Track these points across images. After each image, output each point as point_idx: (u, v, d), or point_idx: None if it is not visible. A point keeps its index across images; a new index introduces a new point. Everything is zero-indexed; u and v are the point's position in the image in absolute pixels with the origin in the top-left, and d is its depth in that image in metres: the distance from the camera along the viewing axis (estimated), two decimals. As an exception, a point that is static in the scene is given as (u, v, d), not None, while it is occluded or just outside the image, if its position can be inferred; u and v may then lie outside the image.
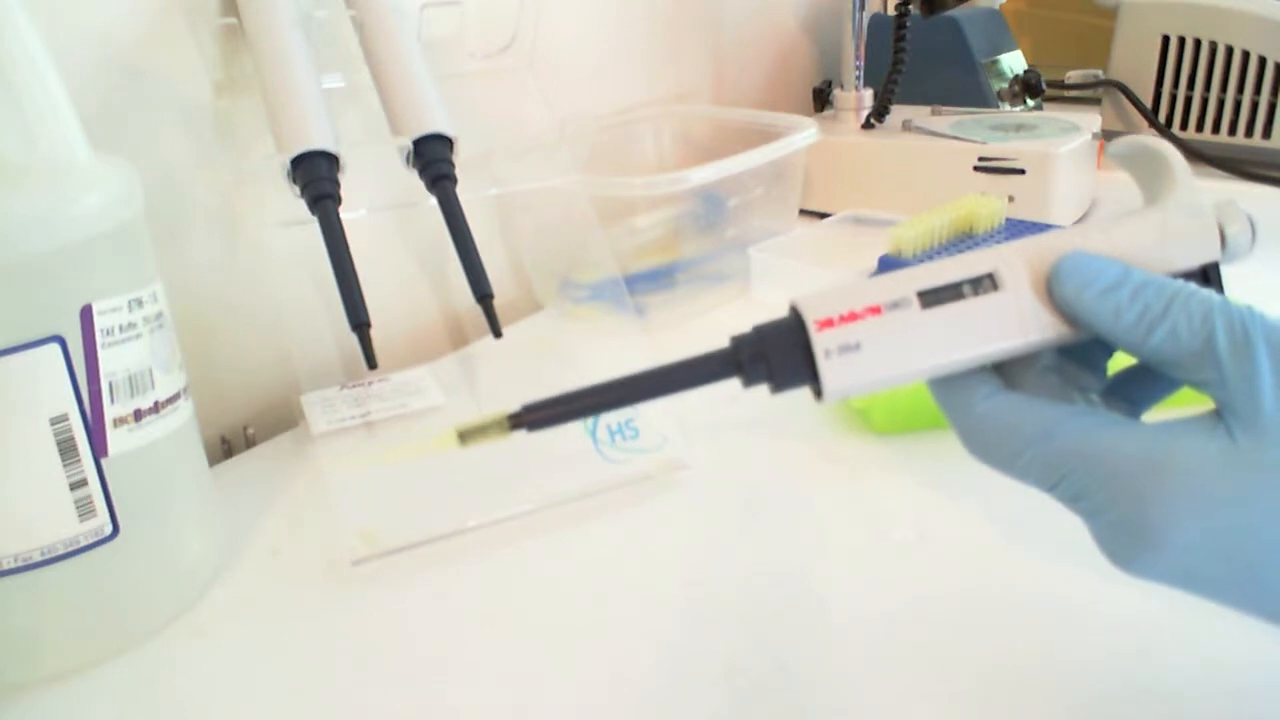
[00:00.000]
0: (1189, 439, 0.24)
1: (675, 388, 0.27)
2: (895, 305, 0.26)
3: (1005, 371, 0.28)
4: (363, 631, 0.39)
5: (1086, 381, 0.28)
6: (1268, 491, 0.23)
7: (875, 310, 0.26)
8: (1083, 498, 0.25)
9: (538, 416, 0.27)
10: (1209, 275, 0.27)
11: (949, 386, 0.27)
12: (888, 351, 0.26)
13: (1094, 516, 0.25)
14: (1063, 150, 0.73)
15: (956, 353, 0.26)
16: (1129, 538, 0.24)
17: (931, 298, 0.26)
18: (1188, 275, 0.26)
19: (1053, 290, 0.25)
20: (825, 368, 0.26)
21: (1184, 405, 0.26)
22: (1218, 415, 0.24)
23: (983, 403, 0.26)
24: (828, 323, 0.26)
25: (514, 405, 0.27)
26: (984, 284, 0.26)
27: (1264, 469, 0.23)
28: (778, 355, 0.26)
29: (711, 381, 0.27)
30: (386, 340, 0.50)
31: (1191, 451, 0.23)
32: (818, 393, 0.26)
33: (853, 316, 0.26)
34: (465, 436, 0.28)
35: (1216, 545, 0.23)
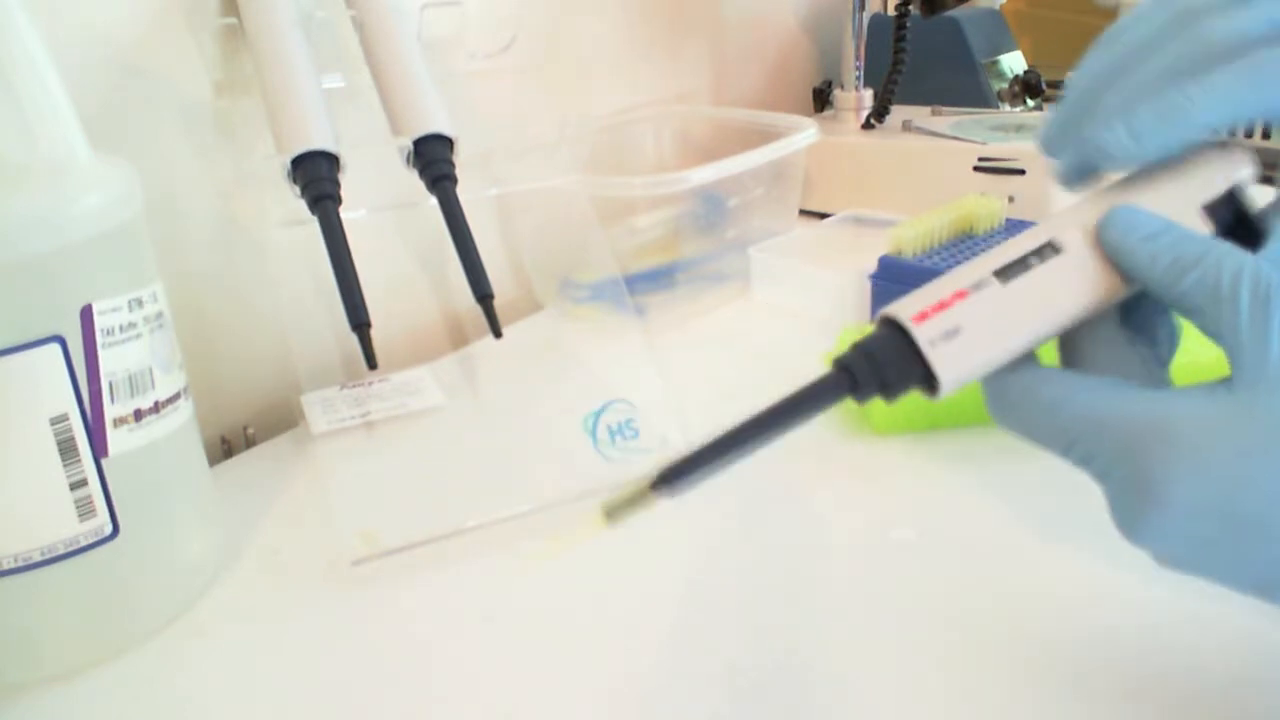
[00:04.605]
0: (1192, 400, 0.25)
1: (795, 421, 0.27)
2: (978, 286, 0.27)
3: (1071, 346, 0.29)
4: (362, 631, 0.39)
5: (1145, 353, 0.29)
6: (1266, 446, 0.23)
7: (961, 295, 0.27)
8: (1093, 460, 0.26)
9: (679, 479, 0.27)
10: (1235, 197, 0.27)
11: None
12: (986, 329, 0.27)
13: (1104, 478, 0.26)
14: (1063, 150, 0.73)
15: (1046, 317, 0.27)
16: (1135, 497, 0.25)
17: (1006, 273, 0.27)
18: (1217, 204, 0.27)
19: (1100, 236, 0.27)
20: (934, 356, 0.26)
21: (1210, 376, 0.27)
22: (1226, 380, 0.25)
23: (1013, 374, 0.28)
24: (923, 315, 0.27)
25: (651, 473, 0.27)
26: (1046, 251, 0.27)
27: (1263, 424, 0.23)
28: (886, 358, 0.27)
29: (828, 406, 0.27)
30: (386, 340, 0.50)
31: (1193, 411, 0.24)
32: (933, 387, 0.27)
33: (943, 305, 0.27)
34: (612, 514, 0.28)
35: (1215, 502, 0.24)
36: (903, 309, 0.27)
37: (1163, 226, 0.26)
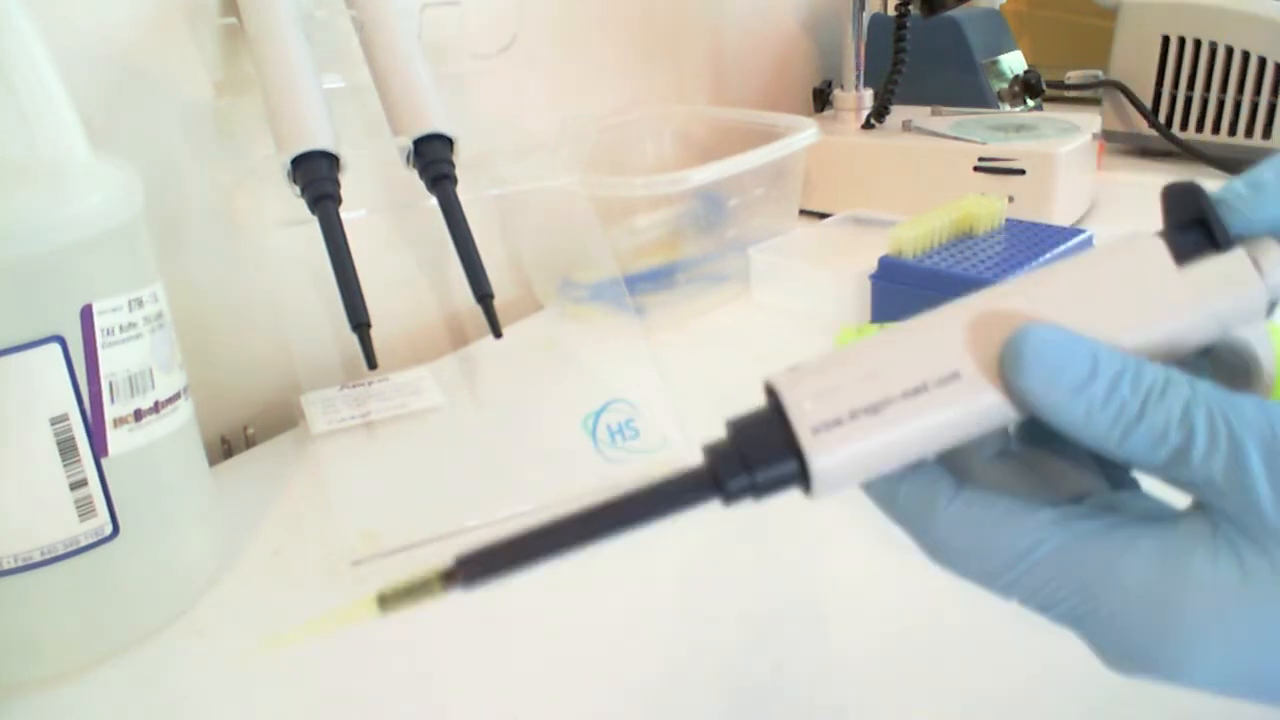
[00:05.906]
0: (1194, 560, 0.21)
1: (643, 521, 0.24)
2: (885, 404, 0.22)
3: (954, 460, 0.24)
4: (362, 632, 0.39)
5: (1042, 459, 0.25)
6: None
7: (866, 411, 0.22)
8: (1083, 623, 0.22)
9: (476, 570, 0.23)
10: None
11: (905, 493, 0.24)
12: (880, 438, 0.22)
13: (1095, 641, 0.23)
14: (1063, 150, 0.73)
15: (954, 430, 0.22)
16: (1140, 664, 0.22)
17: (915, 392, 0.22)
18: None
19: (1009, 377, 0.21)
20: (811, 447, 0.22)
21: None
22: (1211, 522, 0.21)
23: (947, 508, 0.23)
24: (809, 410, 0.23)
25: (446, 561, 0.23)
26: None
27: (1277, 583, 0.21)
28: (756, 447, 0.23)
29: (689, 506, 0.24)
30: (386, 340, 0.50)
31: (1201, 576, 0.21)
32: (806, 485, 0.23)
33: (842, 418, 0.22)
34: (387, 601, 0.24)
35: (1237, 667, 0.21)
36: (796, 392, 0.23)
37: (1089, 367, 0.21)
